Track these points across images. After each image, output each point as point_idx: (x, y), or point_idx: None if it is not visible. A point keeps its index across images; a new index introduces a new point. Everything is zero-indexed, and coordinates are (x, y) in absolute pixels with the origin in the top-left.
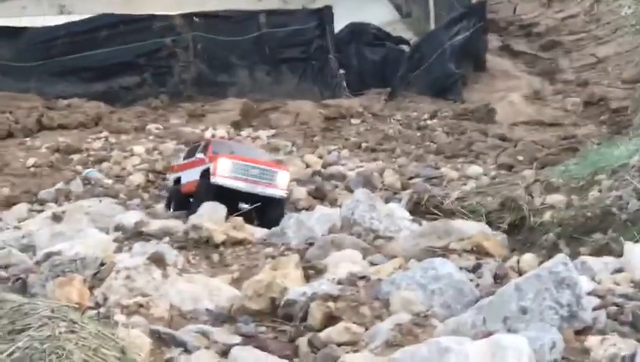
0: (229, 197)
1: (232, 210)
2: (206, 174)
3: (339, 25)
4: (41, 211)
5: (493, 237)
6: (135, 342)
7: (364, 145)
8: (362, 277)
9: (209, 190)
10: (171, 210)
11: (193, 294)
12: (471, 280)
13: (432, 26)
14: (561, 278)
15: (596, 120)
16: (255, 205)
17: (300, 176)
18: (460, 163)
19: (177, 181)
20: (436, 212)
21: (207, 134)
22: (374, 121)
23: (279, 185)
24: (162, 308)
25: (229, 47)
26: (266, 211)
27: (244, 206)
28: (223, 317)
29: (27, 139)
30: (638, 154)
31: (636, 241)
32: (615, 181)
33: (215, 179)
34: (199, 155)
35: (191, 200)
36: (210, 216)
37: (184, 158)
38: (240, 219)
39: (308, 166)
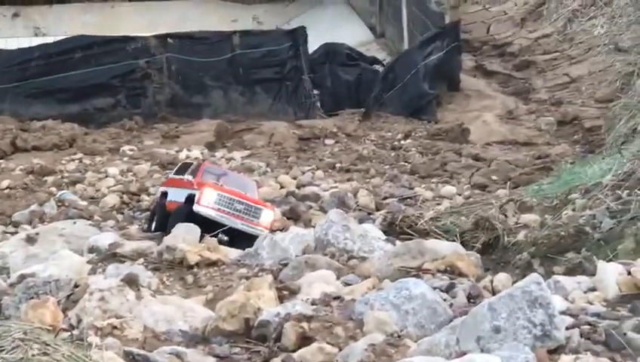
0: (208, 226)
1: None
2: (190, 199)
3: (313, 45)
4: (15, 233)
5: (467, 257)
6: None
7: (338, 165)
8: (336, 298)
9: (189, 217)
10: (152, 228)
11: (167, 315)
12: (444, 300)
13: (406, 46)
14: (534, 297)
15: (570, 139)
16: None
17: (275, 196)
18: (434, 183)
19: (164, 195)
20: (410, 232)
21: (182, 155)
22: (348, 142)
23: (262, 224)
24: (136, 329)
25: (203, 68)
26: (238, 241)
27: (221, 237)
28: (197, 339)
29: (1, 160)
30: (611, 173)
31: (609, 260)
32: (589, 200)
33: (198, 209)
34: (188, 177)
35: None
36: (185, 237)
37: (175, 173)
38: (214, 240)
39: (282, 186)
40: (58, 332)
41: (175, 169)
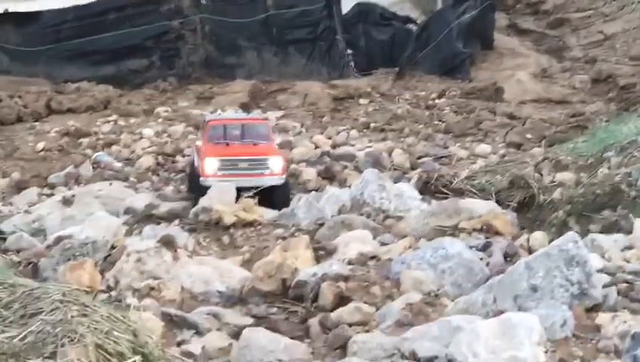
0: None
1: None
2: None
3: (346, 6)
4: (51, 195)
5: (502, 215)
6: (147, 324)
7: (372, 125)
8: (373, 257)
9: (202, 188)
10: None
11: (204, 276)
12: (481, 259)
13: (439, 5)
14: (571, 256)
15: (604, 97)
16: (253, 191)
17: (310, 156)
18: (468, 142)
19: (192, 161)
20: (445, 191)
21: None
22: (382, 101)
23: (273, 172)
24: (173, 290)
25: (237, 29)
26: (270, 198)
27: (245, 194)
28: (234, 299)
29: (36, 123)
30: None
31: None
32: (624, 158)
33: (204, 181)
34: (198, 143)
35: None
36: (220, 197)
37: (198, 137)
38: (250, 200)
39: (317, 146)
40: (96, 293)
41: (200, 132)
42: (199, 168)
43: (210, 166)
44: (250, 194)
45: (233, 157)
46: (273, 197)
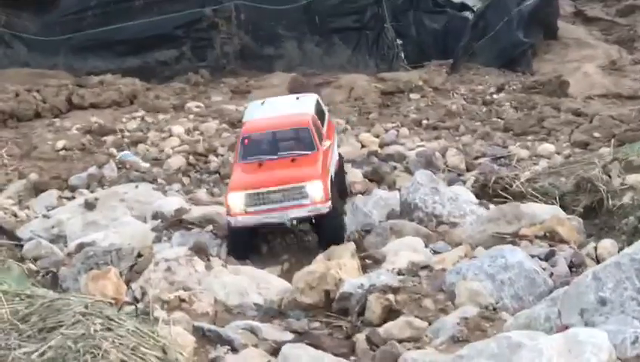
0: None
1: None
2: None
3: None
4: (72, 198)
5: (567, 221)
6: (177, 340)
7: (424, 122)
8: (424, 267)
9: (235, 233)
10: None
11: (239, 287)
12: (544, 269)
13: None
14: None
15: None
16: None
17: (355, 156)
18: (530, 141)
19: None
20: (505, 195)
21: None
22: (436, 96)
23: (314, 200)
24: (206, 302)
25: (276, 17)
26: (318, 232)
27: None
28: (273, 312)
29: (56, 119)
30: None
31: None
32: None
33: (233, 223)
34: (232, 159)
35: None
36: None
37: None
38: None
39: (363, 146)
40: (121, 305)
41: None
42: (225, 206)
43: (235, 202)
44: (293, 223)
45: (263, 189)
46: (320, 229)
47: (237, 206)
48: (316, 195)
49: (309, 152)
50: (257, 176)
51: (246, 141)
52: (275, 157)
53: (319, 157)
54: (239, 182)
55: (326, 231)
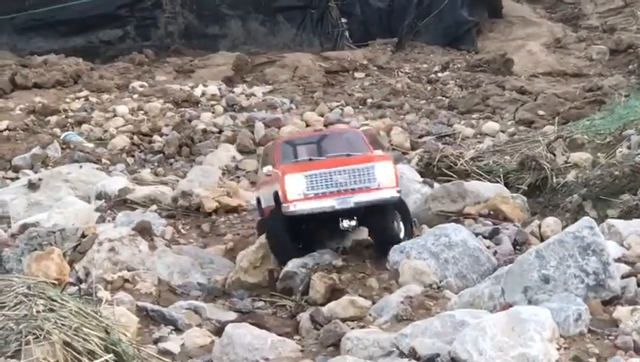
0: (320, 221)
1: (336, 231)
2: (278, 200)
3: None
4: (16, 179)
5: (511, 199)
6: (120, 320)
7: (369, 101)
8: (368, 246)
9: (288, 225)
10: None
11: (183, 267)
12: (488, 248)
13: None
14: (586, 244)
15: (624, 69)
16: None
17: None
18: (474, 119)
19: (259, 203)
20: (449, 173)
21: (197, 91)
22: (380, 75)
23: (382, 184)
24: (150, 282)
25: None
26: (379, 223)
27: (347, 224)
28: (217, 292)
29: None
30: None
31: None
32: None
33: (287, 208)
34: (267, 168)
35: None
36: (201, 180)
37: (262, 165)
38: (233, 183)
39: (308, 125)
40: (65, 286)
41: (261, 158)
42: (279, 193)
43: (293, 185)
44: (352, 223)
45: (325, 169)
46: (385, 220)
47: (295, 190)
48: (385, 178)
49: (364, 153)
50: (316, 164)
51: (287, 142)
52: (327, 156)
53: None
54: (295, 168)
55: (382, 223)
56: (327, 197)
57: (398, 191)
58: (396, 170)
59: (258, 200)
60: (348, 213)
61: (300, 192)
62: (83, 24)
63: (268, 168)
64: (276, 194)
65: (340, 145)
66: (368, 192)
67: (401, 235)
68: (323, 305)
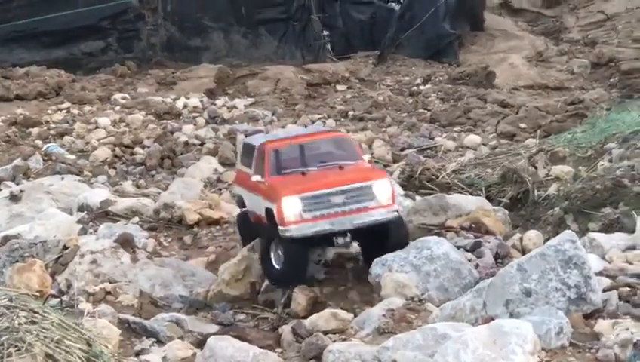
0: (319, 239)
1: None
2: (272, 218)
3: None
4: None
5: (493, 212)
6: (102, 332)
7: (351, 113)
8: (350, 259)
9: (286, 244)
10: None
11: (165, 279)
12: (470, 261)
13: None
14: (568, 257)
15: (605, 83)
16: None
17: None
18: (456, 132)
19: (242, 201)
20: (431, 186)
21: (179, 103)
22: (362, 87)
23: (381, 202)
24: (131, 295)
25: (202, 8)
26: (379, 242)
27: (341, 241)
28: (199, 304)
29: None
30: None
31: None
32: (626, 150)
33: (286, 233)
34: (256, 177)
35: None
36: (183, 193)
37: (241, 159)
38: (215, 195)
39: None
40: (46, 298)
41: (240, 150)
42: (277, 214)
43: (291, 208)
44: (347, 239)
45: (322, 190)
46: (385, 238)
47: (292, 213)
48: (383, 196)
49: (355, 162)
50: (310, 181)
51: (276, 150)
52: (319, 168)
53: (370, 165)
54: (290, 187)
55: (393, 239)
56: (325, 219)
57: (396, 210)
58: (393, 187)
59: (241, 199)
60: (343, 232)
61: (297, 214)
62: (65, 36)
63: (257, 178)
64: (269, 211)
65: (331, 152)
66: (367, 212)
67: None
68: (305, 317)
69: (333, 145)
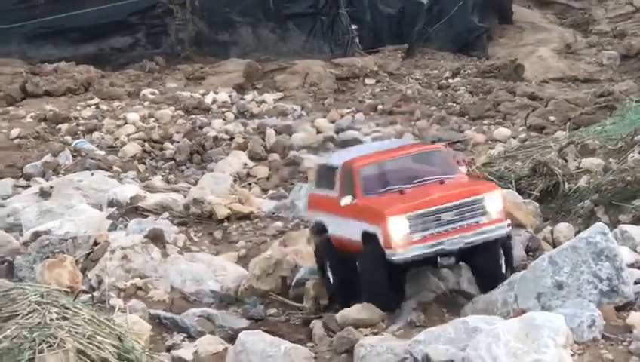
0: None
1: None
2: (371, 239)
3: None
4: (28, 187)
5: (524, 205)
6: (133, 328)
7: (380, 107)
8: None
9: (381, 273)
10: (330, 278)
11: (196, 274)
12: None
13: None
14: (599, 249)
15: (635, 75)
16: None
17: (311, 142)
18: (486, 125)
19: (321, 227)
20: None
21: (208, 98)
22: (391, 81)
23: (493, 217)
24: (162, 290)
25: (230, 3)
26: (485, 260)
27: (445, 262)
28: (229, 299)
29: (10, 107)
30: None
31: None
32: None
33: (395, 258)
34: (346, 200)
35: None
36: (213, 187)
37: (316, 183)
38: (244, 190)
39: (319, 131)
40: (77, 294)
41: (315, 175)
42: (382, 237)
43: (399, 229)
44: (451, 261)
45: (429, 208)
46: (493, 259)
47: (400, 234)
48: (495, 210)
49: (455, 176)
50: (412, 198)
51: (366, 168)
52: (416, 184)
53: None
54: (394, 206)
55: (488, 261)
56: (434, 238)
57: (509, 225)
58: (501, 198)
59: (320, 225)
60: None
61: (405, 236)
62: (94, 32)
63: (347, 199)
64: (368, 236)
65: (425, 167)
66: (479, 228)
67: (507, 273)
68: (336, 311)
69: (427, 159)
